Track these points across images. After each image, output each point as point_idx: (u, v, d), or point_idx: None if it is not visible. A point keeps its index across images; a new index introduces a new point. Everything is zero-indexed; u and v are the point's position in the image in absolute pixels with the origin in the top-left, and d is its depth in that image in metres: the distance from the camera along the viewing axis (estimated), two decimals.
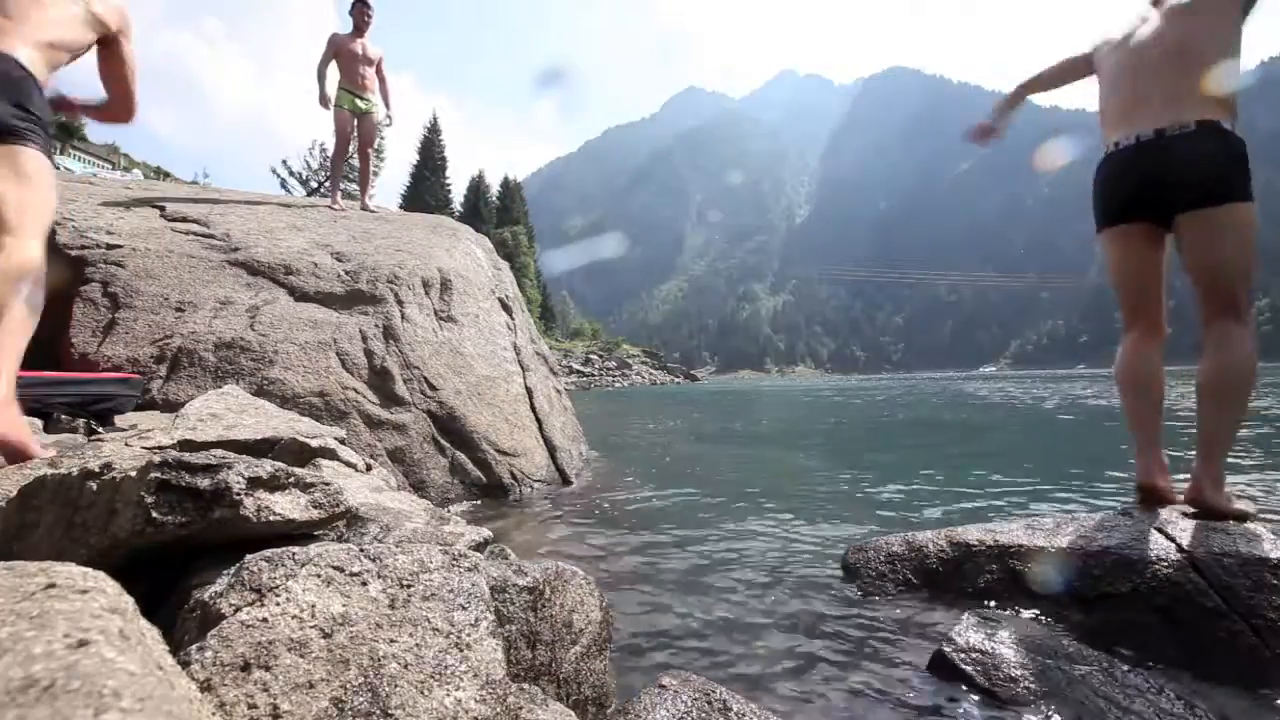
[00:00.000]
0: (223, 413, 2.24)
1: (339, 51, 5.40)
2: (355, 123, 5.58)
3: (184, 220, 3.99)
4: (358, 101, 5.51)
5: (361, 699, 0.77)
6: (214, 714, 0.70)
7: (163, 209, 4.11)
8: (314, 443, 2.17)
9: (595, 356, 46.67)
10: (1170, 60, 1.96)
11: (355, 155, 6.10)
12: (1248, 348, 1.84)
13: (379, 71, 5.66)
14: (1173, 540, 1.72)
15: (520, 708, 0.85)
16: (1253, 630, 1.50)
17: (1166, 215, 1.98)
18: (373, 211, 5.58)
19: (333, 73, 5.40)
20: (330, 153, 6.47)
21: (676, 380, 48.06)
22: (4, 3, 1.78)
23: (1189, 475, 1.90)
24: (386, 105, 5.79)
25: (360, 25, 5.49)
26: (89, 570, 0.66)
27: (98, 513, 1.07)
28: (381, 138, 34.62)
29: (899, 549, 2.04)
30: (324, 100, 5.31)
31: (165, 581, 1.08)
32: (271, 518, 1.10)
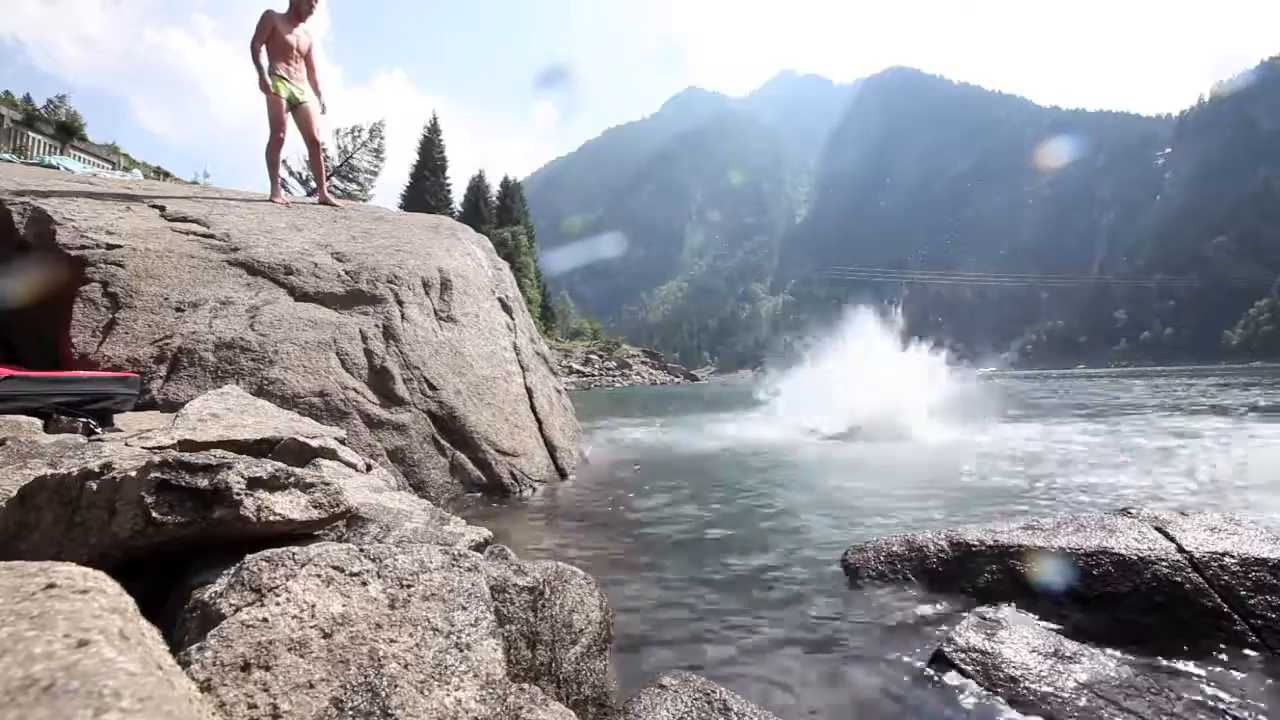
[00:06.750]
0: (223, 413, 2.24)
1: (273, 35, 4.97)
2: (292, 114, 5.17)
3: (184, 220, 3.99)
4: (293, 90, 5.12)
5: (361, 699, 0.77)
6: (214, 714, 0.70)
7: (163, 209, 4.11)
8: (314, 443, 2.17)
9: (595, 356, 46.62)
10: None
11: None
12: None
13: (309, 60, 5.26)
14: (1173, 540, 1.72)
15: (520, 708, 0.85)
16: (1253, 630, 1.50)
17: None
18: (334, 206, 5.40)
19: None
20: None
21: (677, 380, 47.98)
22: None
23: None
24: (318, 94, 5.38)
25: (301, 12, 5.02)
26: (89, 570, 0.66)
27: (98, 513, 1.07)
28: (381, 138, 34.24)
29: (899, 549, 2.05)
30: (264, 84, 4.92)
31: (165, 581, 1.08)
32: (271, 518, 1.10)
